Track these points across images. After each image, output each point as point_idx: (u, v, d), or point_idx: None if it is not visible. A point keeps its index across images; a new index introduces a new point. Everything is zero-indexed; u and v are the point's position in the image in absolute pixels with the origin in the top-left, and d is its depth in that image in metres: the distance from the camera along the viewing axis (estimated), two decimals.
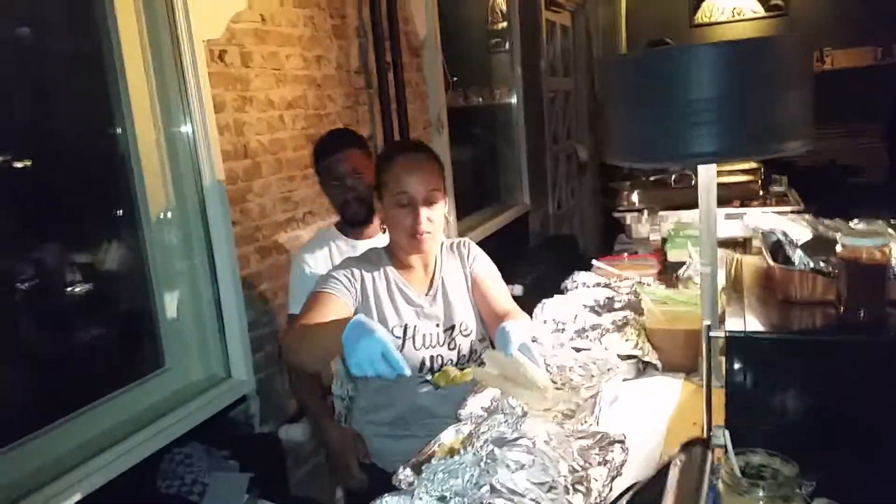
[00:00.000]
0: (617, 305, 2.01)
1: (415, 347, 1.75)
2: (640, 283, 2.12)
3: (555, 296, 2.10)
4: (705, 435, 1.31)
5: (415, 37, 3.18)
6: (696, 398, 1.60)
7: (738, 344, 1.12)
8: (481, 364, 1.55)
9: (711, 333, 1.27)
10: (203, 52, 2.00)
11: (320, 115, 2.59)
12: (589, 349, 1.70)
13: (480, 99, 4.55)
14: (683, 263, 2.15)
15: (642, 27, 6.91)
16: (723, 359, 1.66)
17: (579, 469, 1.19)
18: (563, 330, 1.82)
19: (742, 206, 2.50)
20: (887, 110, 4.94)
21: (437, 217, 1.74)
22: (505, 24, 6.00)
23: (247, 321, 2.21)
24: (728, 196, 2.52)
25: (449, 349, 1.78)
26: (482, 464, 1.20)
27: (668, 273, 2.30)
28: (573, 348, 1.72)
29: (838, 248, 1.08)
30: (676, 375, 1.71)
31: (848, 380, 1.07)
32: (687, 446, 0.93)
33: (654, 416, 1.53)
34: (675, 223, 2.47)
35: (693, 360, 1.71)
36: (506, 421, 1.29)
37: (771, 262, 1.25)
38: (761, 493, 1.00)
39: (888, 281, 1.05)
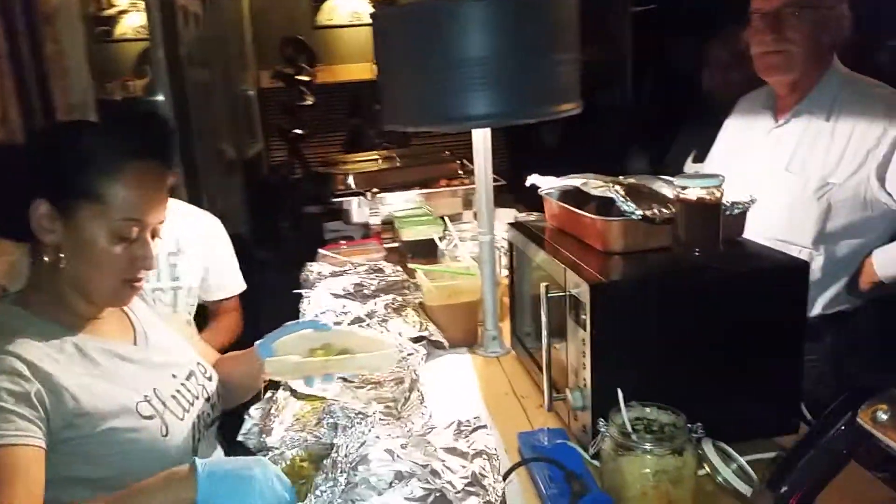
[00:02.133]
0: (368, 291, 1.87)
1: (179, 417, 1.22)
2: (377, 267, 2.01)
3: (302, 290, 1.88)
4: (546, 401, 1.27)
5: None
6: (491, 370, 1.56)
7: (601, 297, 1.09)
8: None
9: (551, 294, 1.23)
10: None
11: None
12: None
13: (113, 91, 3.90)
14: (420, 242, 2.10)
15: (267, 25, 6.78)
16: (504, 325, 1.66)
17: (460, 468, 1.03)
18: (341, 323, 1.61)
19: (447, 185, 2.56)
20: None
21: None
22: (113, 10, 5.26)
23: None
24: (436, 175, 2.58)
25: (206, 401, 1.32)
26: (342, 496, 0.96)
27: (400, 254, 2.23)
28: None
29: (678, 192, 1.12)
30: (461, 351, 1.64)
31: (703, 318, 1.11)
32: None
33: (466, 395, 1.44)
34: (396, 204, 2.42)
35: (474, 332, 1.67)
36: (347, 436, 1.06)
37: (592, 216, 1.25)
38: (655, 448, 0.98)
39: (719, 219, 1.12)
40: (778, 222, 1.57)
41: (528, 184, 1.50)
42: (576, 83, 1.50)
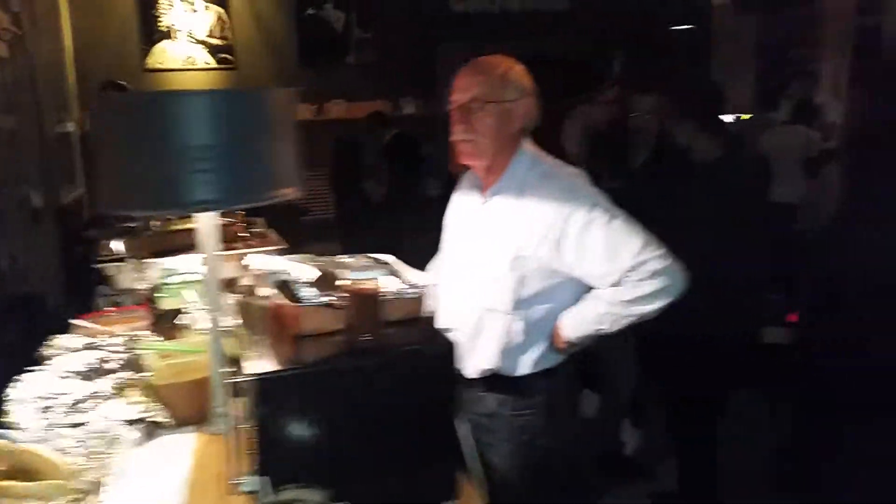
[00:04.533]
0: (112, 366, 1.82)
1: None
2: (134, 338, 1.96)
3: (32, 369, 1.79)
4: (233, 486, 1.28)
5: None
6: (212, 449, 1.56)
7: (263, 385, 1.13)
8: None
9: (227, 380, 1.26)
10: None
11: None
12: (86, 423, 1.50)
13: None
14: (178, 311, 2.08)
15: (91, 67, 6.51)
16: (239, 403, 1.67)
17: None
18: (51, 408, 1.55)
19: (228, 248, 2.55)
20: (328, 157, 5.70)
21: None
22: None
23: None
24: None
25: None
26: None
27: (163, 323, 2.19)
28: (69, 425, 1.48)
29: (344, 283, 1.19)
30: (188, 430, 1.63)
31: (367, 398, 1.18)
32: None
33: (169, 479, 1.43)
34: (164, 270, 2.37)
35: (204, 410, 1.66)
36: None
37: (283, 301, 1.31)
38: None
39: (381, 306, 1.21)
40: (486, 291, 1.71)
41: (243, 263, 1.54)
42: (294, 168, 1.57)
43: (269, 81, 6.66)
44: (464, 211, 1.91)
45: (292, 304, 1.27)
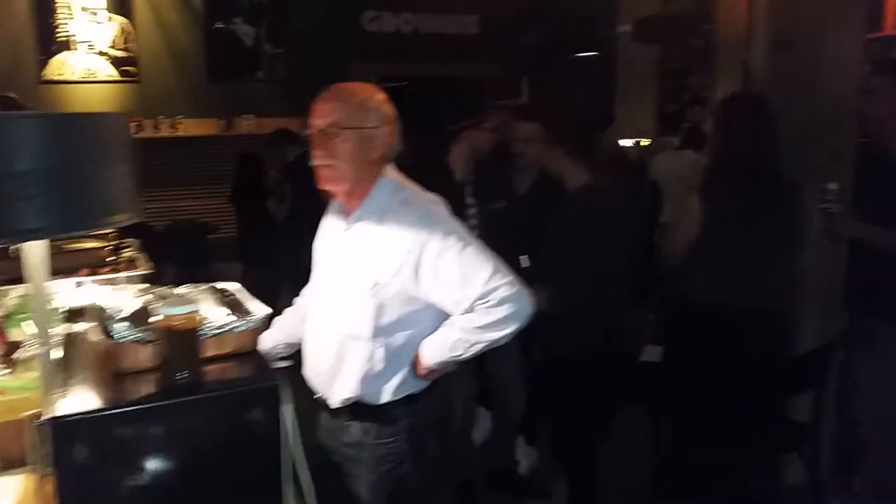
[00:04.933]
0: None
1: None
2: None
3: None
4: None
5: None
6: (39, 494, 1.47)
7: (63, 428, 1.08)
8: None
9: (37, 422, 1.19)
10: None
11: None
12: None
13: None
14: (18, 343, 1.96)
15: None
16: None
17: None
18: None
19: (92, 273, 2.44)
20: (232, 174, 5.57)
21: None
22: None
23: None
24: (76, 265, 2.43)
25: None
26: None
27: (11, 355, 2.06)
28: None
29: (156, 318, 1.15)
30: (18, 470, 1.54)
31: (179, 439, 1.14)
32: None
33: None
34: (21, 297, 2.24)
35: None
36: None
37: (99, 336, 1.25)
38: None
39: (199, 342, 1.17)
40: (346, 318, 1.71)
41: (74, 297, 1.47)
42: (130, 194, 1.51)
43: (176, 95, 6.49)
44: (329, 237, 1.89)
45: (107, 339, 1.22)
